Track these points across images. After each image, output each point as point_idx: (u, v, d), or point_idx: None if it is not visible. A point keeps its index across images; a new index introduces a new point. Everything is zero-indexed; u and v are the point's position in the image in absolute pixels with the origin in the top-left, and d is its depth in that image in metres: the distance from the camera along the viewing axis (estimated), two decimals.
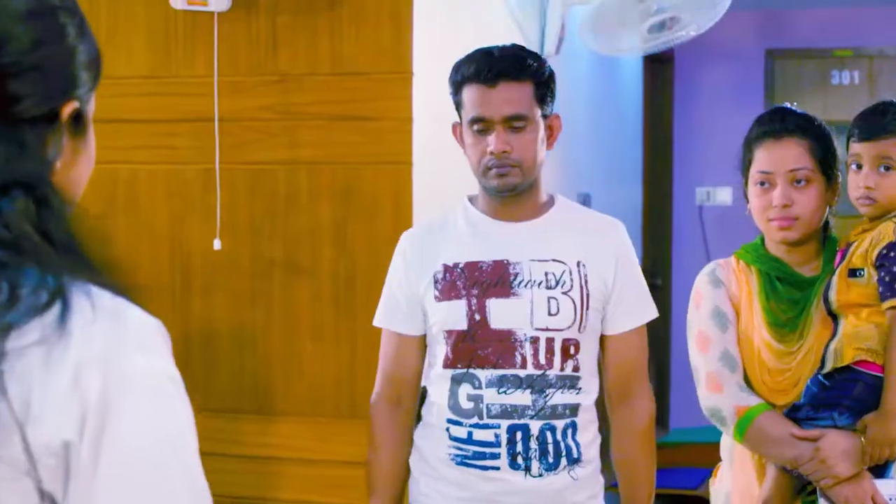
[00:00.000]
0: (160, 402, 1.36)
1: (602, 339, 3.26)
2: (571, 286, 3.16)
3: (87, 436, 1.30)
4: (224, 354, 4.39)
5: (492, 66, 3.12)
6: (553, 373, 3.13)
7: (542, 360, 3.13)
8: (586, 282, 3.17)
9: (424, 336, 3.28)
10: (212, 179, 4.33)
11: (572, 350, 3.16)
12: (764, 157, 3.21)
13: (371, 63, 4.20)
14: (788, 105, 3.32)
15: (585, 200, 6.53)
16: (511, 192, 3.16)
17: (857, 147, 3.15)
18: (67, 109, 1.45)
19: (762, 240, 3.32)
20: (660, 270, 8.93)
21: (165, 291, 4.44)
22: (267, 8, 4.30)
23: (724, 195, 8.99)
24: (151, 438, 1.34)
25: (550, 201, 3.29)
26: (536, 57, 3.21)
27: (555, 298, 3.14)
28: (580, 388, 3.18)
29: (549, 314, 3.13)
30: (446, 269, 3.20)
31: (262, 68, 4.31)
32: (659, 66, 8.95)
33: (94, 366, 1.31)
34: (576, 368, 3.16)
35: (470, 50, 3.20)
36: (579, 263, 3.18)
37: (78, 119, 1.47)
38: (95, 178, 4.08)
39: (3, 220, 1.35)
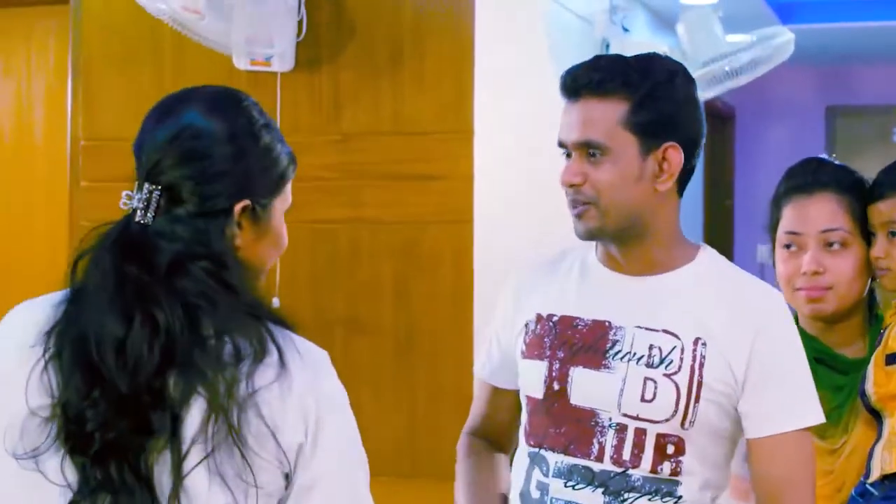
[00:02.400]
0: (348, 411, 1.99)
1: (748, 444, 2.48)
2: (679, 368, 2.40)
3: (310, 438, 1.91)
4: None
5: (578, 76, 2.45)
6: (638, 473, 2.40)
7: (626, 456, 2.41)
8: (702, 366, 2.40)
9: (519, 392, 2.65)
10: None
11: (671, 449, 2.41)
12: (792, 216, 2.76)
13: (433, 122, 4.22)
14: (825, 156, 2.89)
15: None
16: (592, 239, 2.50)
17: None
18: (238, 207, 1.96)
19: (797, 316, 2.76)
20: None
21: None
22: (329, 68, 4.33)
23: None
24: (346, 437, 1.98)
25: (690, 254, 2.52)
26: (649, 68, 2.45)
27: (653, 380, 2.41)
28: (680, 499, 2.42)
29: (643, 399, 2.40)
30: (539, 319, 2.55)
31: (324, 127, 4.35)
32: (720, 123, 8.95)
33: (309, 392, 1.91)
34: (675, 472, 2.41)
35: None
36: (698, 341, 2.41)
37: (254, 212, 1.98)
38: None
39: (193, 277, 1.88)
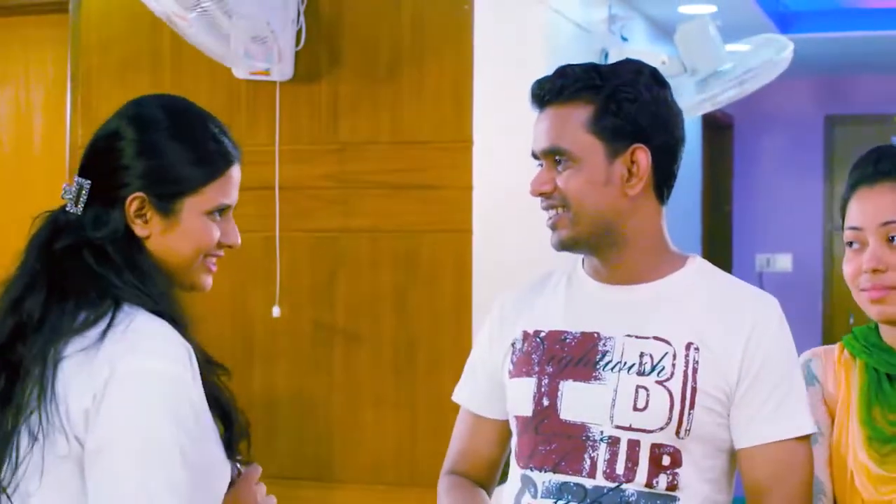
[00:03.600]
0: (149, 391, 1.98)
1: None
2: (672, 375, 2.31)
3: (95, 405, 1.96)
4: (284, 421, 4.40)
5: (543, 84, 2.41)
6: (633, 488, 2.29)
7: (620, 470, 2.30)
8: (695, 371, 2.31)
9: (507, 422, 2.52)
10: (272, 247, 4.36)
11: (666, 461, 2.30)
12: (854, 210, 2.44)
13: (431, 132, 4.22)
14: (894, 144, 2.56)
15: None
16: (567, 250, 2.42)
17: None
18: (130, 199, 2.11)
19: (877, 325, 2.47)
20: None
21: (226, 358, 4.42)
22: (328, 78, 4.34)
23: (784, 262, 8.94)
24: (134, 411, 1.97)
25: (678, 263, 2.44)
26: (615, 71, 2.40)
27: (645, 388, 2.31)
28: None
29: (635, 408, 2.30)
30: (526, 336, 2.46)
31: (323, 137, 4.35)
32: (718, 132, 8.94)
33: (108, 363, 1.98)
34: (672, 487, 2.30)
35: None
36: (690, 346, 2.32)
37: (158, 204, 2.11)
38: None
39: (78, 260, 2.09)
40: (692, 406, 2.30)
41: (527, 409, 2.39)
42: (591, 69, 2.38)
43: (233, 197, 2.24)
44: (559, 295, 2.48)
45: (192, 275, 2.23)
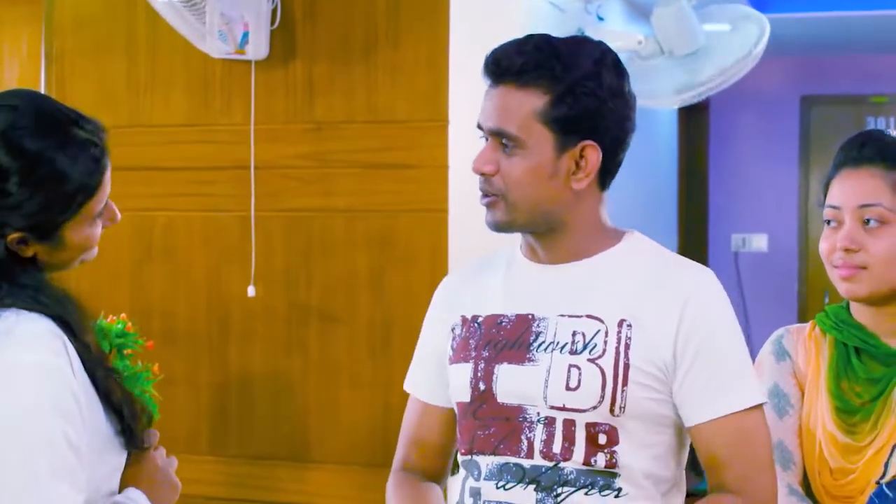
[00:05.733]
0: (19, 385, 1.96)
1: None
2: (603, 352, 2.26)
3: None
4: (260, 401, 4.39)
5: (500, 59, 2.32)
6: (571, 466, 2.25)
7: (556, 449, 2.26)
8: (627, 347, 2.26)
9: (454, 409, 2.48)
10: (247, 227, 4.35)
11: (602, 439, 2.26)
12: (836, 190, 2.53)
13: (407, 111, 4.22)
14: (884, 129, 2.63)
15: None
16: (501, 231, 2.36)
17: None
18: (10, 239, 2.07)
19: (848, 302, 2.58)
20: None
21: (202, 338, 4.45)
22: (304, 57, 4.32)
23: (759, 242, 8.95)
24: (4, 410, 1.95)
25: (614, 239, 2.39)
26: (576, 56, 2.29)
27: (577, 367, 2.26)
28: (620, 492, 2.26)
29: (568, 388, 2.26)
30: (464, 322, 2.43)
31: (298, 116, 4.34)
32: (694, 113, 8.95)
33: None
34: (611, 465, 2.25)
35: None
36: (622, 323, 2.27)
37: (39, 237, 2.08)
38: (133, 225, 4.09)
39: None
40: (625, 383, 2.24)
41: (465, 395, 2.36)
42: (551, 53, 2.28)
43: (108, 191, 2.17)
44: (499, 278, 2.43)
45: (78, 262, 2.21)
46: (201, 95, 4.45)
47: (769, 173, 9.15)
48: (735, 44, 5.34)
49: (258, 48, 4.24)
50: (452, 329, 2.44)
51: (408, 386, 2.60)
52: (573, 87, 2.25)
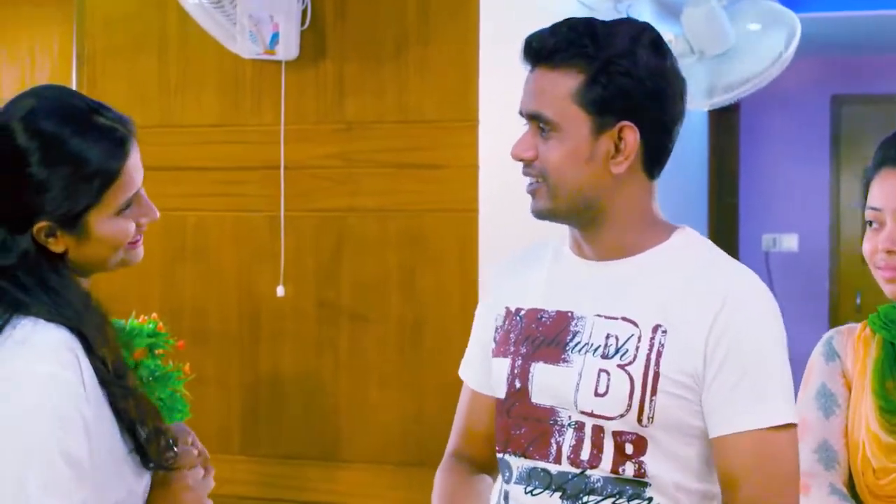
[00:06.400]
0: (21, 395, 1.96)
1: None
2: (634, 358, 2.16)
3: None
4: (291, 401, 4.40)
5: (534, 42, 2.27)
6: (598, 474, 2.17)
7: (584, 456, 2.18)
8: (659, 355, 2.15)
9: None
10: (277, 227, 4.36)
11: (629, 449, 2.16)
12: (876, 191, 2.45)
13: (437, 111, 4.22)
14: None
15: None
16: (544, 219, 2.30)
17: None
18: (36, 229, 2.08)
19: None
20: None
21: (233, 338, 4.46)
22: (334, 57, 4.33)
23: (790, 242, 8.93)
24: (3, 420, 1.95)
25: (662, 236, 2.28)
26: (612, 35, 2.20)
27: (606, 372, 2.17)
28: (650, 502, 2.17)
29: (597, 394, 2.17)
30: (507, 314, 2.36)
31: (328, 116, 4.34)
32: (724, 113, 8.93)
33: None
34: (640, 474, 2.16)
35: None
36: (657, 329, 2.16)
37: (65, 227, 2.09)
38: (164, 225, 4.09)
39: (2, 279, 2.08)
40: (654, 392, 2.13)
41: (501, 391, 2.30)
42: (585, 32, 2.20)
43: (137, 182, 2.15)
44: (543, 271, 2.35)
45: (119, 263, 2.19)
46: (232, 96, 4.46)
47: (800, 173, 9.13)
48: (765, 45, 5.33)
49: (288, 48, 4.25)
50: (496, 319, 2.37)
51: (461, 371, 2.52)
52: (607, 66, 2.17)
